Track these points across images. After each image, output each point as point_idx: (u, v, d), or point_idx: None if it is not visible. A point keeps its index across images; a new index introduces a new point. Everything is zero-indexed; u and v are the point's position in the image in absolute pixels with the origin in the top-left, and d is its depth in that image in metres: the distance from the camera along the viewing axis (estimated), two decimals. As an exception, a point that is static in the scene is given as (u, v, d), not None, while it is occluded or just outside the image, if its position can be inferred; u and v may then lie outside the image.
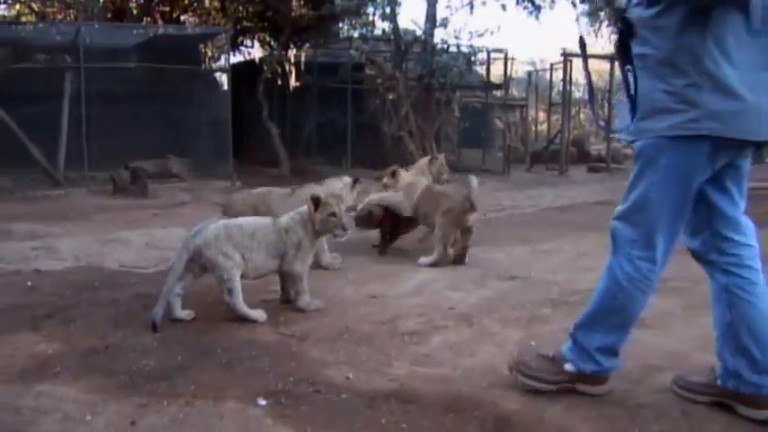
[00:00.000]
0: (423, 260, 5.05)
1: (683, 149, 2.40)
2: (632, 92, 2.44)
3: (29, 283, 4.41)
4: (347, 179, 5.22)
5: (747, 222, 2.64)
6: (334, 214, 3.72)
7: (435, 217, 5.07)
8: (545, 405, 2.60)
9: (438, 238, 5.01)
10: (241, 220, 3.87)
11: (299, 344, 3.28)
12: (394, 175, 5.60)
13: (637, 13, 2.44)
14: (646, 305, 2.64)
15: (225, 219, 4.25)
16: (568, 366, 2.70)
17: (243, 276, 3.69)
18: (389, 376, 2.88)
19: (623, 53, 2.45)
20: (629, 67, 2.43)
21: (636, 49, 2.44)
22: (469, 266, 4.99)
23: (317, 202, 3.73)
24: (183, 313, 3.62)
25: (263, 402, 2.60)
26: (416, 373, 2.92)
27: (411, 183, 5.42)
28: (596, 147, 19.83)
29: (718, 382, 2.63)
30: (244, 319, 3.60)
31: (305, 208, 3.79)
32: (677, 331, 3.50)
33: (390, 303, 4.01)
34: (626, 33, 2.45)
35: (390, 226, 5.38)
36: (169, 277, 3.58)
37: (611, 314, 2.63)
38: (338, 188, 5.03)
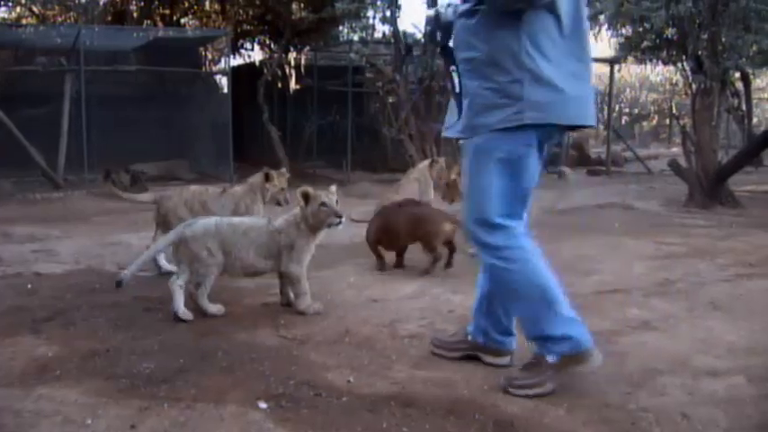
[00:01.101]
0: None
1: (514, 140, 2.64)
2: (457, 91, 2.75)
3: (29, 286, 4.41)
4: (264, 171, 5.20)
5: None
6: (324, 204, 3.71)
7: None
8: (546, 408, 2.60)
9: None
10: (236, 219, 3.98)
11: (300, 347, 3.28)
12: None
13: (462, 23, 2.72)
14: (547, 271, 2.74)
15: (161, 214, 4.77)
16: (550, 358, 2.74)
17: (229, 274, 3.82)
18: (390, 379, 2.88)
19: (447, 57, 2.78)
20: (453, 67, 2.74)
21: (463, 53, 2.70)
22: (469, 270, 4.97)
23: (306, 196, 3.74)
24: (182, 309, 3.64)
25: (263, 405, 2.60)
26: (417, 377, 2.91)
27: None
28: (596, 150, 19.80)
29: (470, 337, 3.07)
30: (204, 314, 3.72)
31: (298, 209, 3.80)
32: (681, 334, 3.50)
33: (391, 306, 4.00)
34: (445, 40, 2.79)
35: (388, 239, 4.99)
36: (151, 248, 3.84)
37: (530, 300, 2.73)
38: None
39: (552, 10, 2.56)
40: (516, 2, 2.54)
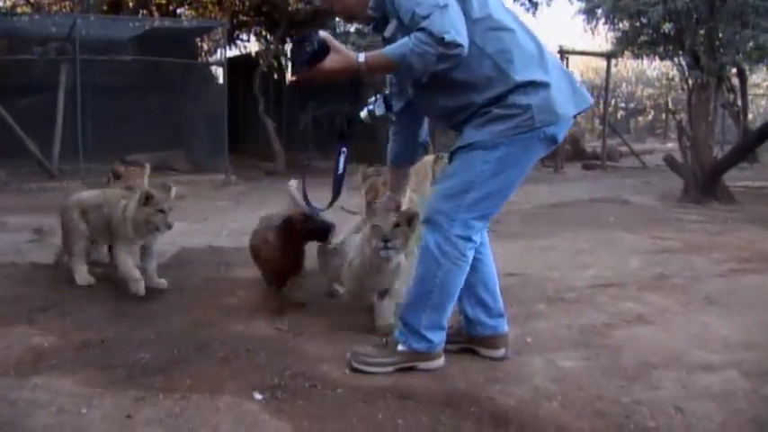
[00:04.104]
0: None
1: (519, 143, 2.66)
2: (339, 172, 2.88)
3: (24, 276, 4.39)
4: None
5: None
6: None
7: None
8: (541, 401, 2.61)
9: None
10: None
11: (296, 339, 3.28)
12: None
13: (421, 99, 2.88)
14: (460, 284, 2.82)
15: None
16: (401, 347, 2.85)
17: None
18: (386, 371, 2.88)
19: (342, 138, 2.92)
20: (343, 149, 2.88)
21: (460, 100, 2.72)
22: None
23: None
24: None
25: (259, 396, 2.60)
26: (413, 369, 2.91)
27: None
28: (592, 144, 19.79)
29: (464, 331, 3.07)
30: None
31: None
32: (676, 328, 3.51)
33: (387, 299, 3.99)
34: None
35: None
36: None
37: (429, 293, 2.78)
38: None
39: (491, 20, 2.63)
40: (451, 57, 2.50)
